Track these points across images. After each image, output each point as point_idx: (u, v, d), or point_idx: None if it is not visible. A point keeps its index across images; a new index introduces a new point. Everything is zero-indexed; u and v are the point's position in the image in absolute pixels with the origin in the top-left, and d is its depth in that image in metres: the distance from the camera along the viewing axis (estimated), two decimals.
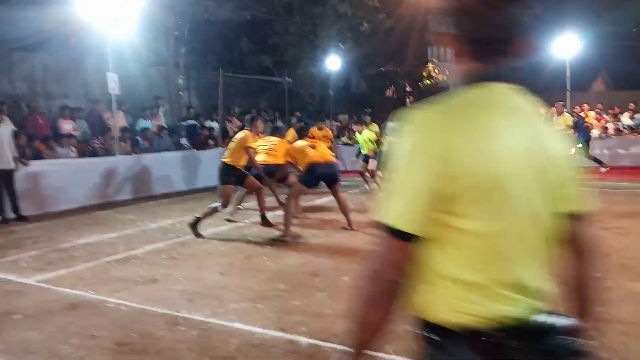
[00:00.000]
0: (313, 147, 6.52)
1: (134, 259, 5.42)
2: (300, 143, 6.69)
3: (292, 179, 7.86)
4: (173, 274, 4.81)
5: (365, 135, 9.91)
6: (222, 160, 6.81)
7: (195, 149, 11.67)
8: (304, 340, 3.22)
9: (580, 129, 12.37)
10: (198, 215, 6.48)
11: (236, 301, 3.98)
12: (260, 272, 4.76)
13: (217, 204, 6.49)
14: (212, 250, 5.73)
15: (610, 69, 23.43)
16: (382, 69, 18.76)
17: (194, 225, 6.40)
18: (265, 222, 6.99)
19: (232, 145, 6.87)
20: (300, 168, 6.74)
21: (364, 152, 10.04)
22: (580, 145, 12.49)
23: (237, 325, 3.50)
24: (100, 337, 3.36)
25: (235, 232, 6.73)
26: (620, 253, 4.98)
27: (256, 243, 6.01)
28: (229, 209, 7.26)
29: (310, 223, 7.14)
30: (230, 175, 6.67)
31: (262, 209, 7.02)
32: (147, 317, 3.71)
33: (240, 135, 6.91)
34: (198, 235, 6.35)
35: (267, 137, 7.74)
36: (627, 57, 19.34)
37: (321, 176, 6.45)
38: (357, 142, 10.62)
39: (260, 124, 7.26)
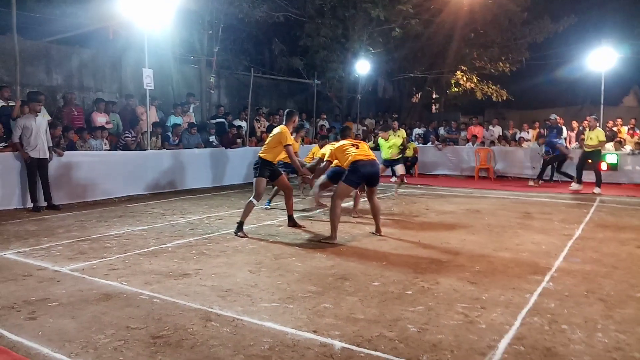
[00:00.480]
0: (356, 146, 6.44)
1: (165, 253, 5.47)
2: (343, 142, 6.58)
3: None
4: (204, 269, 4.84)
5: (392, 142, 9.79)
6: (260, 155, 6.72)
7: (223, 147, 11.79)
8: (337, 343, 3.20)
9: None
10: (239, 219, 6.50)
11: (267, 300, 3.98)
12: (290, 273, 4.76)
13: (251, 198, 6.49)
14: (241, 248, 5.75)
15: None
16: (411, 75, 18.65)
17: (240, 229, 6.41)
18: (292, 223, 7.00)
19: (269, 140, 6.80)
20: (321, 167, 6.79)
21: (384, 157, 9.88)
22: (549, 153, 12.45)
23: (270, 324, 3.50)
24: (135, 329, 3.40)
25: (262, 230, 6.75)
26: None
27: (284, 243, 6.01)
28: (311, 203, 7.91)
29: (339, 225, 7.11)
30: (267, 169, 6.63)
31: (290, 210, 7.03)
32: (181, 311, 3.73)
33: (276, 130, 6.79)
34: (244, 236, 6.33)
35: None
36: None
37: (366, 175, 6.30)
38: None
39: (297, 120, 7.13)
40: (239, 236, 6.30)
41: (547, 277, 4.68)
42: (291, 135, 6.92)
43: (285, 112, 7.14)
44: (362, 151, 6.33)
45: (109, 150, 9.81)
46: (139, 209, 8.35)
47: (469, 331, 3.42)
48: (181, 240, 6.07)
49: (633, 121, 14.46)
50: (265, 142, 6.84)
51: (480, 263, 5.17)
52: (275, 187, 7.92)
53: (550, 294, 4.21)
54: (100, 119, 10.37)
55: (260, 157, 6.65)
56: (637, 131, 13.95)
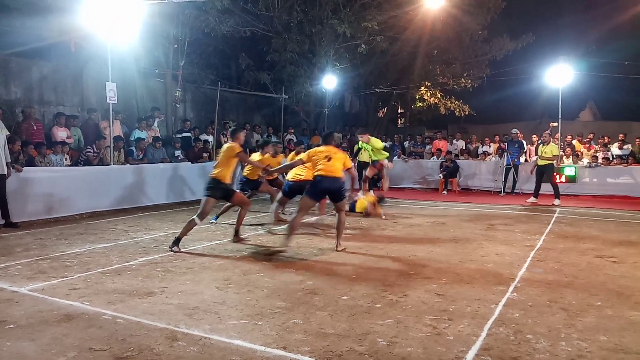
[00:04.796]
0: (329, 158, 6.38)
1: (129, 271, 5.33)
2: (321, 149, 6.51)
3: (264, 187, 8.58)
4: (170, 287, 4.74)
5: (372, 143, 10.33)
6: (210, 175, 6.70)
7: (189, 161, 11.64)
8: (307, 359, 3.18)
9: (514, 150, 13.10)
10: (178, 234, 6.47)
11: (235, 317, 3.92)
12: (258, 289, 4.71)
13: (195, 217, 6.40)
14: (208, 264, 5.66)
15: (597, 100, 23.93)
16: (377, 90, 18.94)
17: (176, 244, 6.36)
18: (236, 238, 7.00)
19: (219, 159, 6.79)
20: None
21: (365, 160, 11.12)
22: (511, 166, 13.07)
23: (238, 342, 3.44)
24: (98, 351, 3.28)
25: (230, 246, 6.67)
26: (616, 281, 5.02)
27: (252, 258, 5.95)
28: (271, 219, 8.16)
29: (306, 240, 7.10)
30: (218, 189, 6.56)
31: (239, 224, 7.06)
32: (146, 331, 3.63)
33: (224, 147, 6.84)
34: (178, 250, 6.28)
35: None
36: (614, 88, 19.81)
37: (324, 190, 6.40)
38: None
39: (242, 136, 7.16)
40: (174, 251, 6.24)
41: (511, 288, 4.78)
42: (257, 154, 7.11)
43: (229, 132, 7.28)
44: (329, 165, 6.33)
45: (70, 165, 9.54)
46: (102, 226, 8.13)
47: (437, 343, 3.46)
48: (146, 258, 5.93)
49: (590, 135, 15.07)
50: (216, 162, 6.83)
51: (447, 275, 5.25)
52: (227, 204, 7.80)
53: (514, 304, 4.30)
54: (61, 133, 10.08)
55: (211, 177, 6.63)
56: (594, 145, 14.53)
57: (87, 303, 4.24)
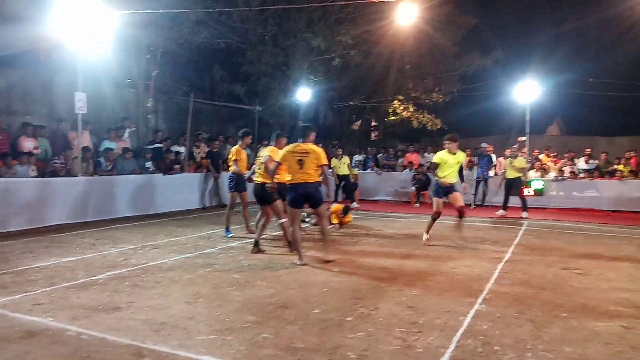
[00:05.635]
0: (301, 162, 6.23)
1: (95, 285, 5.20)
2: (295, 149, 6.31)
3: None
4: (137, 302, 4.64)
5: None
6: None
7: (160, 173, 11.48)
8: None
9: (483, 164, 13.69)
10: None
11: (204, 332, 3.86)
12: (229, 303, 4.65)
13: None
14: (177, 278, 5.57)
15: (564, 115, 24.66)
16: (351, 103, 19.11)
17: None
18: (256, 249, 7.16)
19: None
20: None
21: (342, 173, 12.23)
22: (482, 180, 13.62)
23: (206, 358, 3.39)
24: None
25: (201, 259, 6.58)
26: (582, 293, 5.14)
27: (223, 272, 5.88)
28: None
29: (277, 252, 7.07)
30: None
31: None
32: (111, 347, 3.54)
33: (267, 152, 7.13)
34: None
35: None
36: (580, 104, 20.45)
37: (301, 196, 6.31)
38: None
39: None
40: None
41: (479, 300, 4.85)
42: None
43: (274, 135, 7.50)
44: (301, 173, 6.20)
45: (37, 176, 9.29)
46: (68, 239, 7.92)
47: (407, 356, 3.47)
48: (113, 272, 5.80)
49: (554, 152, 15.49)
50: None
51: (418, 287, 5.29)
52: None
53: (483, 315, 4.36)
54: (27, 144, 9.83)
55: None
56: (560, 159, 14.93)
57: (50, 319, 4.12)
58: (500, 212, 11.94)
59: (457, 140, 7.88)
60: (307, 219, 9.97)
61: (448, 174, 7.72)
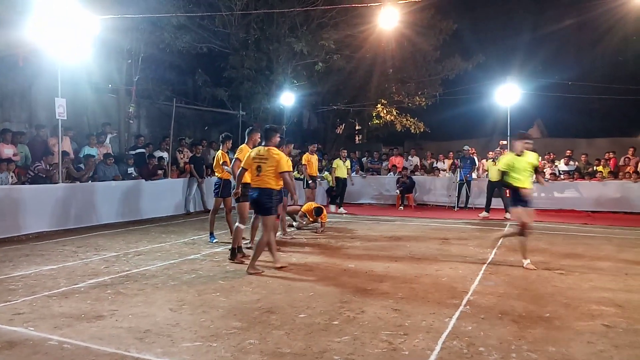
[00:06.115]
0: (259, 168, 5.98)
1: (77, 294, 5.12)
2: (253, 155, 6.09)
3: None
4: (120, 310, 4.57)
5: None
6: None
7: (143, 179, 11.35)
8: None
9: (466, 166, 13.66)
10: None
11: (189, 340, 3.82)
12: (213, 309, 4.61)
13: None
14: (161, 285, 5.51)
15: (544, 118, 25.05)
16: (335, 107, 19.17)
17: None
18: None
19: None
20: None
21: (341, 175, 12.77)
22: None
23: None
24: None
25: (185, 266, 6.52)
26: (564, 293, 5.21)
27: (208, 278, 5.84)
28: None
29: (262, 257, 7.03)
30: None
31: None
32: (94, 356, 3.48)
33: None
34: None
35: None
36: (560, 107, 20.81)
37: (251, 200, 6.14)
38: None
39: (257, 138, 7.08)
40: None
41: (464, 301, 4.88)
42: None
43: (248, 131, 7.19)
44: (258, 178, 5.99)
45: (16, 183, 9.13)
46: (49, 247, 7.78)
47: (393, 358, 3.48)
48: (95, 280, 5.72)
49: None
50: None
51: (403, 290, 5.31)
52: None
53: (467, 317, 4.39)
54: (6, 150, 9.64)
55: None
56: (541, 161, 15.14)
57: (32, 328, 4.04)
58: (484, 214, 12.06)
59: (528, 139, 6.66)
60: (294, 223, 9.97)
61: (522, 179, 6.48)
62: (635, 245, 8.31)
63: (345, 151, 14.10)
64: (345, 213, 12.92)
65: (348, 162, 13.81)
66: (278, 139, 6.27)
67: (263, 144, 6.23)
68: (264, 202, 6.01)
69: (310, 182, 10.64)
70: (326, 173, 13.94)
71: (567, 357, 3.53)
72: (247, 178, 6.44)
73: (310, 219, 9.71)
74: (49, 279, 5.73)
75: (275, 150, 6.08)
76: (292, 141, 7.29)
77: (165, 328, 4.08)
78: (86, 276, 5.87)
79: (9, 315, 4.36)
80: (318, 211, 9.64)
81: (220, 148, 8.34)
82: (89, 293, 5.14)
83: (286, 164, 6.06)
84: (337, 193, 13.51)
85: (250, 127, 7.35)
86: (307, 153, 10.98)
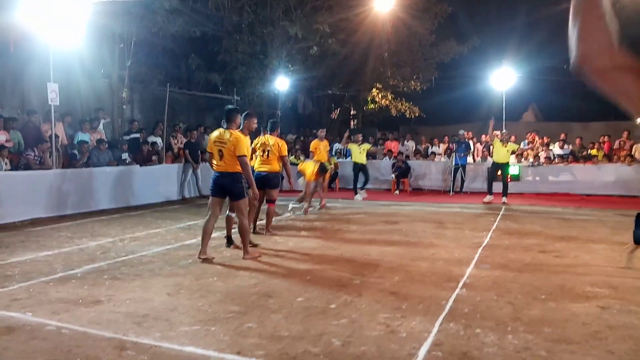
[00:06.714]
0: (221, 153, 5.81)
1: (73, 279, 5.11)
2: (217, 136, 5.90)
3: None
4: (117, 295, 4.58)
5: (363, 147, 11.90)
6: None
7: (137, 164, 11.29)
8: None
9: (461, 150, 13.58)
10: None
11: (187, 324, 3.84)
12: (211, 293, 4.62)
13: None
14: (158, 270, 5.51)
15: (539, 102, 25.04)
16: (330, 92, 19.08)
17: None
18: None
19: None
20: None
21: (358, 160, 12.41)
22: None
23: (190, 349, 3.36)
24: None
25: (182, 251, 6.52)
26: (559, 275, 5.26)
27: (205, 262, 5.84)
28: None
29: (260, 242, 7.04)
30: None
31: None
32: (92, 341, 3.49)
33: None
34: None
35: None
36: (555, 91, 20.81)
37: (219, 187, 5.96)
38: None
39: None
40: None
41: (460, 284, 4.92)
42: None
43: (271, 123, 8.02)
44: (220, 162, 5.85)
45: (10, 170, 9.06)
46: (44, 233, 7.76)
47: (391, 341, 3.50)
48: (91, 265, 5.71)
49: (534, 135, 15.74)
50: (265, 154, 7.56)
51: (399, 273, 5.34)
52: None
53: (463, 299, 4.43)
54: None
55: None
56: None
57: (29, 314, 4.03)
58: (488, 197, 11.93)
59: None
60: (290, 210, 9.97)
61: None
62: (629, 227, 8.34)
63: (361, 135, 13.00)
64: (364, 198, 12.61)
65: (366, 145, 12.70)
66: (240, 120, 6.04)
67: (224, 126, 5.90)
68: (232, 187, 5.84)
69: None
70: (333, 157, 13.80)
71: (563, 338, 3.57)
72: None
73: (315, 178, 9.70)
74: (45, 265, 5.72)
75: (235, 133, 5.82)
76: (255, 115, 6.62)
77: (163, 312, 4.09)
78: (82, 262, 5.86)
79: (6, 301, 4.36)
80: (323, 169, 9.66)
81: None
82: (85, 278, 5.14)
83: (244, 148, 5.77)
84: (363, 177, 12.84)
85: (246, 112, 7.18)
86: (315, 139, 10.68)
